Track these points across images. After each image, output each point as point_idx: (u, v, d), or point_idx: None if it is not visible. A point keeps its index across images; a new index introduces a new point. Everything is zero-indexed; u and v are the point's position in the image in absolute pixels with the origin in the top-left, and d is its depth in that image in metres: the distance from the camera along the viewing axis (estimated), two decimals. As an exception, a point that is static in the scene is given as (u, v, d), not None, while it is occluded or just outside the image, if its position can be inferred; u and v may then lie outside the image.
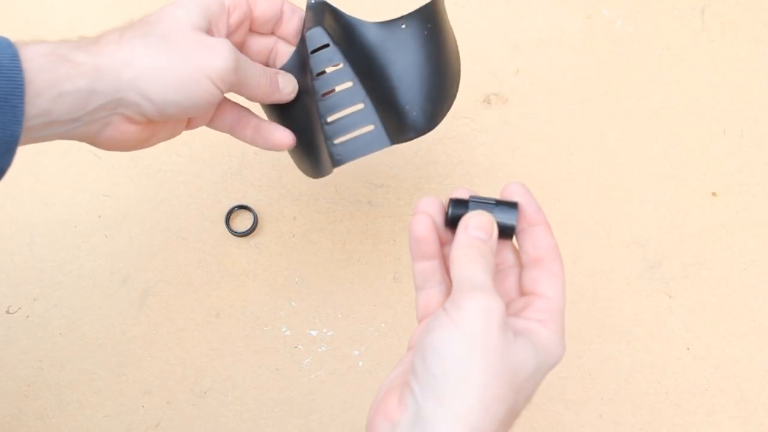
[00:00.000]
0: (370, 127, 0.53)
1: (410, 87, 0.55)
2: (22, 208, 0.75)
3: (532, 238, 0.45)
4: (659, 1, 0.83)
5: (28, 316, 0.73)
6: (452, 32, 0.58)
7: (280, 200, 0.76)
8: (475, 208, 0.44)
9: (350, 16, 0.55)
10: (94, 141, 0.49)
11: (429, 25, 0.55)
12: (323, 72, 0.55)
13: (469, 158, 0.77)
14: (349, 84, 0.54)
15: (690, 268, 0.74)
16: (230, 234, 0.74)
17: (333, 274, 0.74)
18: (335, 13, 0.55)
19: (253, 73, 0.52)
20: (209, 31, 0.51)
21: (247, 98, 0.54)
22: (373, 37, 0.55)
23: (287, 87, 0.55)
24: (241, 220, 0.76)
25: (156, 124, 0.51)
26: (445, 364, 0.38)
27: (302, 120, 0.56)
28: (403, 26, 0.55)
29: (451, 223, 0.45)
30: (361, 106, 0.53)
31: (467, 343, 0.38)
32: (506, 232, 0.45)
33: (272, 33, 0.57)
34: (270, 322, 0.73)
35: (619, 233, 0.75)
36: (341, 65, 0.54)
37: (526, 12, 0.82)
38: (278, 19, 0.56)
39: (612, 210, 0.76)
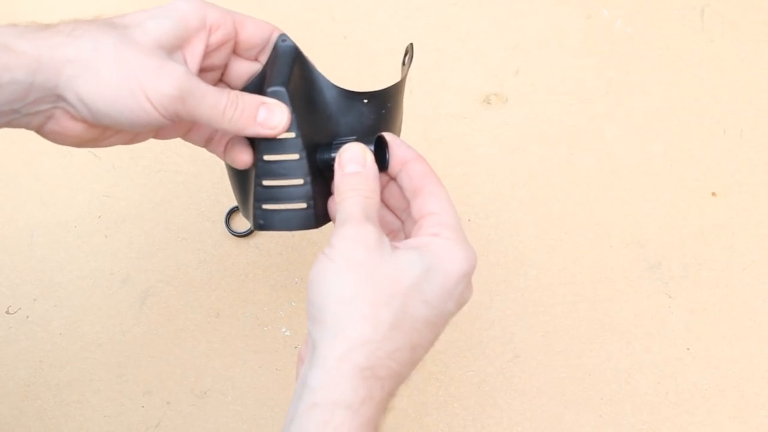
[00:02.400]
0: (302, 205, 0.50)
1: None
2: (22, 208, 0.75)
3: (407, 174, 0.48)
4: (659, 1, 0.83)
5: (28, 316, 0.73)
6: (402, 112, 0.56)
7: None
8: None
9: (318, 72, 0.51)
10: (40, 132, 0.47)
11: (389, 105, 0.53)
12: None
13: (469, 158, 0.77)
14: (295, 156, 0.49)
15: (690, 268, 0.74)
16: (230, 234, 0.74)
17: (333, 274, 0.74)
18: (304, 64, 0.51)
19: (212, 103, 0.46)
20: (179, 48, 0.47)
21: (221, 132, 0.49)
22: (332, 100, 0.51)
23: (272, 119, 0.48)
24: (241, 220, 0.76)
25: (102, 127, 0.48)
26: (321, 292, 0.42)
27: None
28: (366, 101, 0.51)
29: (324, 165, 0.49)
30: (300, 181, 0.50)
31: (334, 267, 0.42)
32: (379, 160, 0.48)
33: (256, 59, 0.52)
34: (270, 322, 0.73)
35: (619, 233, 0.75)
36: (293, 135, 0.49)
37: (526, 12, 0.82)
38: (265, 45, 0.51)
39: (612, 210, 0.76)
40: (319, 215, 0.51)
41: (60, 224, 0.75)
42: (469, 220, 0.75)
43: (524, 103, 0.79)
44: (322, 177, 0.50)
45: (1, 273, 0.74)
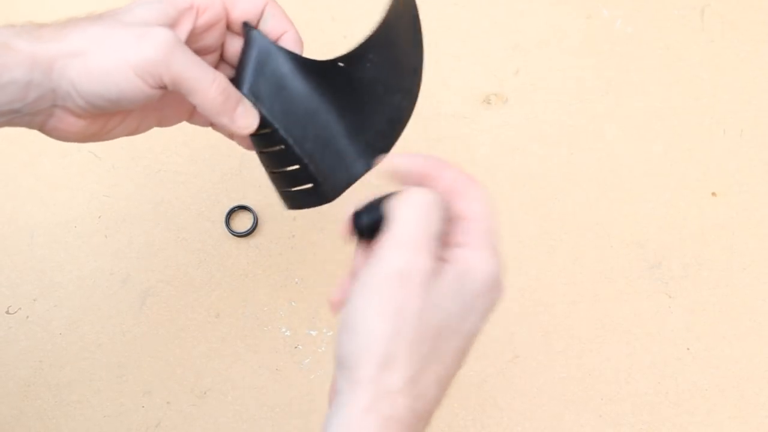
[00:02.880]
0: (308, 185, 0.50)
1: (352, 124, 0.50)
2: (22, 208, 0.75)
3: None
4: (659, 1, 0.83)
5: (28, 316, 0.73)
6: (409, 46, 0.52)
7: (280, 200, 0.76)
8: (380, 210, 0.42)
9: (287, 54, 0.49)
10: (42, 131, 0.48)
11: (371, 56, 0.50)
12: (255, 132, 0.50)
13: (469, 158, 0.77)
14: (281, 147, 0.50)
15: (690, 268, 0.74)
16: (230, 234, 0.74)
17: (333, 274, 0.74)
18: (269, 51, 0.49)
19: (197, 75, 0.45)
20: (167, 26, 0.46)
21: (198, 108, 0.47)
22: (310, 76, 0.49)
23: (244, 119, 0.48)
24: (241, 220, 0.76)
25: (103, 118, 0.48)
26: (349, 336, 0.38)
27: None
28: (341, 65, 0.50)
29: (368, 232, 0.42)
30: (296, 167, 0.50)
31: (370, 310, 0.38)
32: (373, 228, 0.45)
33: None
34: (270, 322, 0.73)
35: (619, 233, 0.75)
36: (269, 130, 0.49)
37: (526, 12, 0.82)
38: (259, 20, 0.50)
39: (612, 210, 0.76)
40: (334, 184, 0.50)
41: (60, 224, 0.75)
42: (469, 220, 0.75)
43: (524, 103, 0.79)
44: (323, 145, 0.49)
45: (1, 273, 0.74)
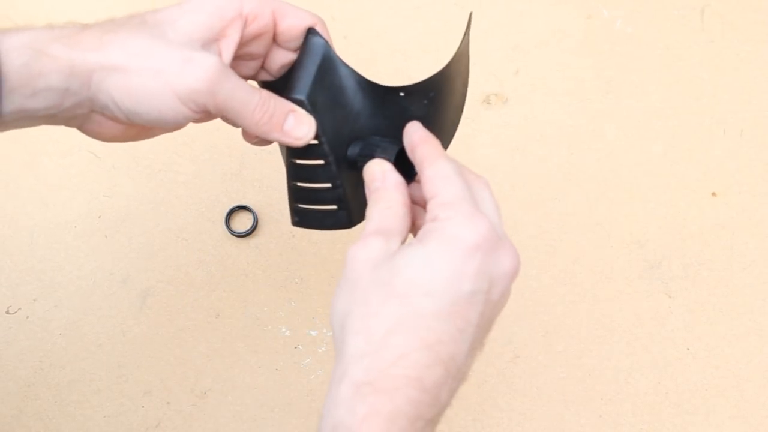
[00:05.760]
0: (333, 207, 0.49)
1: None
2: (22, 208, 0.75)
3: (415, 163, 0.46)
4: (659, 1, 0.83)
5: (28, 317, 0.73)
6: (459, 94, 0.53)
7: (280, 200, 0.76)
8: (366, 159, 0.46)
9: (348, 69, 0.48)
10: (80, 131, 0.47)
11: (432, 94, 0.49)
12: None
13: (469, 158, 0.77)
14: (321, 162, 0.48)
15: (690, 268, 0.74)
16: (230, 234, 0.74)
17: (333, 274, 0.74)
18: (332, 63, 0.48)
19: (242, 101, 0.45)
20: (215, 41, 0.46)
21: (245, 129, 0.47)
22: (366, 97, 0.48)
23: (298, 129, 0.46)
24: (241, 221, 0.76)
25: (140, 125, 0.47)
26: (330, 318, 0.42)
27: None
28: (402, 95, 0.48)
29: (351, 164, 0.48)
30: (328, 185, 0.49)
31: (338, 290, 0.42)
32: (407, 167, 0.47)
33: (296, 50, 0.50)
34: (270, 323, 0.73)
35: (619, 233, 0.75)
36: (317, 142, 0.48)
37: (526, 12, 0.82)
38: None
39: (612, 210, 0.76)
40: (353, 214, 0.50)
41: (60, 224, 0.75)
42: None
43: (524, 103, 0.79)
44: (356, 175, 0.48)
45: (1, 273, 0.74)
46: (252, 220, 0.75)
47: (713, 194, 0.77)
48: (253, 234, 0.75)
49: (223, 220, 0.75)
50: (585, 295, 0.74)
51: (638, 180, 0.77)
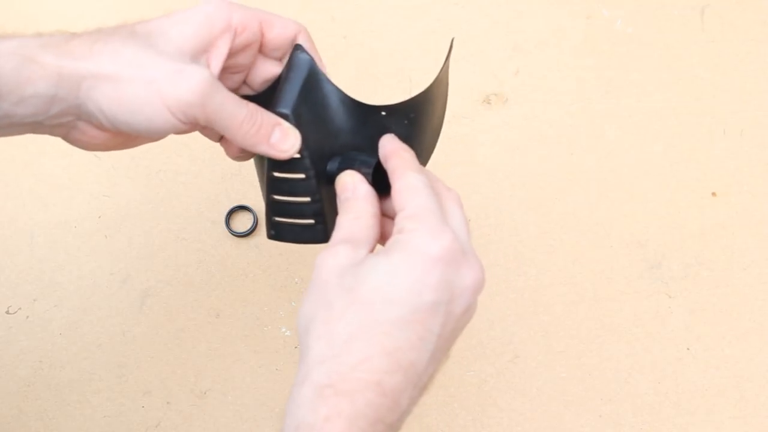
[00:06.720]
0: (310, 221, 0.50)
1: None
2: (22, 208, 0.76)
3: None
4: (659, 1, 0.83)
5: (28, 316, 0.73)
6: (437, 117, 0.54)
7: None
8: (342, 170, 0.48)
9: (332, 87, 0.49)
10: (65, 140, 0.47)
11: (412, 115, 0.50)
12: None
13: (469, 158, 0.77)
14: (302, 176, 0.49)
15: (690, 268, 0.74)
16: (230, 234, 0.74)
17: (333, 274, 0.74)
18: (317, 79, 0.48)
19: (230, 113, 0.45)
20: (204, 52, 0.46)
21: (231, 140, 0.48)
22: (348, 115, 0.49)
23: (284, 142, 0.47)
24: (241, 220, 0.76)
25: (126, 134, 0.47)
26: (297, 324, 0.43)
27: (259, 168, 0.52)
28: (384, 114, 0.49)
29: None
30: (307, 199, 0.49)
31: (305, 297, 0.43)
32: (381, 181, 0.47)
33: (281, 59, 0.51)
34: (270, 322, 0.73)
35: (619, 233, 0.75)
36: (299, 156, 0.48)
37: (526, 12, 0.82)
38: (291, 46, 0.50)
39: (612, 210, 0.76)
40: (330, 229, 0.49)
41: (60, 224, 0.75)
42: (470, 220, 0.75)
43: (524, 103, 0.79)
44: (334, 189, 0.49)
45: (1, 273, 0.74)
46: (252, 220, 0.75)
47: (713, 194, 0.77)
48: (253, 234, 0.75)
49: (223, 220, 0.75)
50: (585, 295, 0.74)
51: (638, 180, 0.77)
